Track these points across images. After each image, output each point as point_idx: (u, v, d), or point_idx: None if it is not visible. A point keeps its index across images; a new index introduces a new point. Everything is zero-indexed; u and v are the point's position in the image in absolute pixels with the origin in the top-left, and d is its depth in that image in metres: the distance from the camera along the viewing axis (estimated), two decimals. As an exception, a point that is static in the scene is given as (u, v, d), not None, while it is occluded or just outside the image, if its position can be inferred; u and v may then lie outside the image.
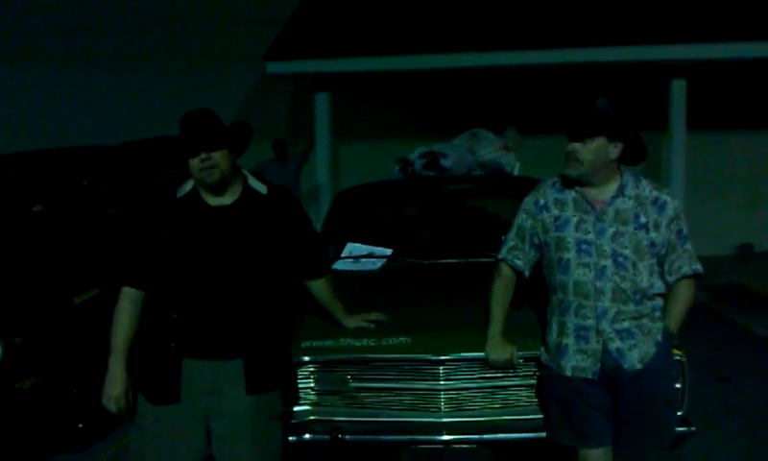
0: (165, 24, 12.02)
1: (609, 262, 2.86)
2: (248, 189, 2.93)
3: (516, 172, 5.69)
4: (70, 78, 12.15)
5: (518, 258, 3.14)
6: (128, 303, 2.88)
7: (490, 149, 5.54)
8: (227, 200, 2.88)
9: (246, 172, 3.00)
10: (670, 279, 2.96)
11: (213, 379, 2.81)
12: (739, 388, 5.72)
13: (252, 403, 2.83)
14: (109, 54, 12.16)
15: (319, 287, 3.27)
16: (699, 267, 2.99)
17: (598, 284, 2.86)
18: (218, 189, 2.85)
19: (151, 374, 2.86)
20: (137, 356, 2.89)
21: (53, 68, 12.24)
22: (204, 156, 2.75)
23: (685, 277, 2.97)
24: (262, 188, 2.96)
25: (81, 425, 4.83)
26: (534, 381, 3.24)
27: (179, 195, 2.91)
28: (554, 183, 3.09)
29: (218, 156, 2.77)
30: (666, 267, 2.95)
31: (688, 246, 2.98)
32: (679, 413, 3.10)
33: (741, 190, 11.09)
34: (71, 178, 7.30)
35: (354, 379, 3.32)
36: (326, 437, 3.20)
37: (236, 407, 2.82)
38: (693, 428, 3.17)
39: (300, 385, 3.34)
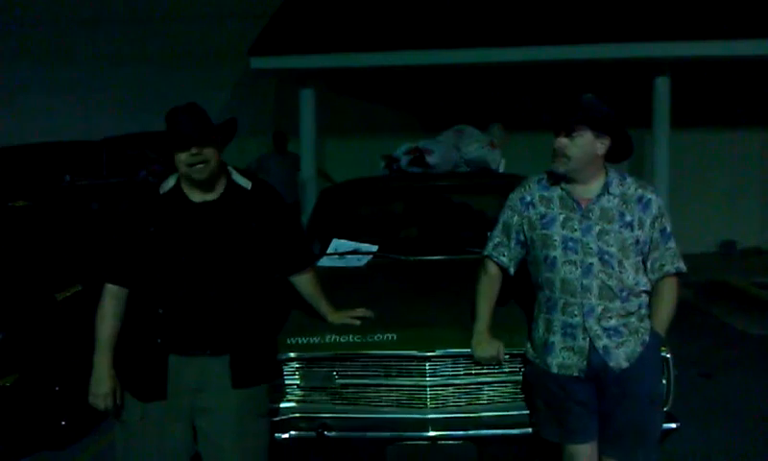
0: (149, 19, 11.96)
1: (595, 260, 2.86)
2: (232, 184, 2.92)
3: (501, 169, 5.70)
4: (54, 74, 12.07)
5: (504, 255, 3.14)
6: (111, 301, 2.85)
7: (475, 145, 5.53)
8: (210, 195, 2.87)
9: (230, 167, 2.98)
10: (653, 277, 2.96)
11: (199, 376, 2.79)
12: (722, 384, 5.76)
13: (237, 400, 2.82)
14: (94, 49, 12.09)
15: (303, 283, 3.26)
16: (682, 265, 2.99)
17: (585, 282, 2.86)
18: (205, 186, 2.83)
19: (137, 370, 2.83)
20: (123, 353, 2.86)
21: (37, 64, 12.14)
22: (194, 150, 2.72)
23: (668, 275, 2.97)
24: (246, 183, 2.95)
25: (64, 423, 4.80)
26: (520, 378, 3.25)
27: (162, 191, 2.89)
28: (540, 180, 3.09)
29: (208, 152, 2.75)
30: (649, 265, 2.95)
31: (672, 244, 2.98)
32: (664, 409, 3.11)
33: (724, 187, 11.17)
34: (53, 173, 7.26)
35: (340, 376, 3.31)
36: (312, 434, 3.19)
37: (222, 404, 2.80)
38: (677, 424, 3.18)
39: (286, 382, 3.33)
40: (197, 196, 2.85)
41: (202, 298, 2.78)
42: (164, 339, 2.78)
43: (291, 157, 10.27)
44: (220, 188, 2.89)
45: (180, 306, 2.78)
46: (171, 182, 2.90)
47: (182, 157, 2.74)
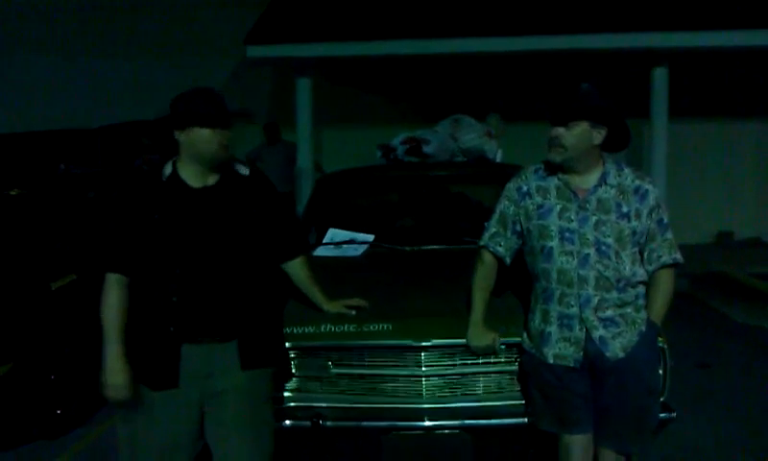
0: (145, 7, 11.88)
1: (592, 251, 2.85)
2: (229, 171, 2.91)
3: (498, 159, 5.68)
4: (48, 63, 12.00)
5: (500, 245, 3.13)
6: (116, 290, 2.81)
7: (472, 135, 5.52)
8: (210, 181, 2.85)
9: None
10: (650, 267, 2.95)
11: (208, 363, 2.77)
12: (719, 374, 5.77)
13: (246, 382, 2.81)
14: (91, 38, 12.02)
15: (296, 270, 3.24)
16: (679, 256, 2.98)
17: (581, 272, 2.85)
18: (216, 167, 2.85)
19: (148, 359, 2.80)
20: (132, 342, 2.82)
21: (31, 53, 12.08)
22: (227, 132, 2.80)
23: (665, 266, 2.96)
24: (243, 170, 2.96)
25: (59, 412, 4.78)
26: (516, 368, 3.24)
27: (163, 178, 2.86)
28: (536, 170, 3.07)
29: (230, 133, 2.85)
30: (646, 256, 2.95)
31: (669, 235, 2.97)
32: (660, 399, 3.10)
33: (722, 178, 11.16)
34: (48, 161, 7.24)
35: (335, 366, 3.30)
36: (307, 423, 3.18)
37: (232, 386, 2.79)
38: (674, 414, 3.18)
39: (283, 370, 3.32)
40: (196, 181, 2.84)
41: (209, 284, 2.76)
42: (177, 327, 2.76)
43: (285, 148, 10.21)
44: (218, 174, 2.88)
45: (189, 294, 2.76)
46: (169, 169, 2.87)
47: (218, 136, 2.78)
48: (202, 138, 2.77)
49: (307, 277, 3.28)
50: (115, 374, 2.78)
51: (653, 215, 2.92)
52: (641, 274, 2.93)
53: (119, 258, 2.82)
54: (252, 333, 2.84)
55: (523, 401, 3.20)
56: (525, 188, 3.05)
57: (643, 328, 2.90)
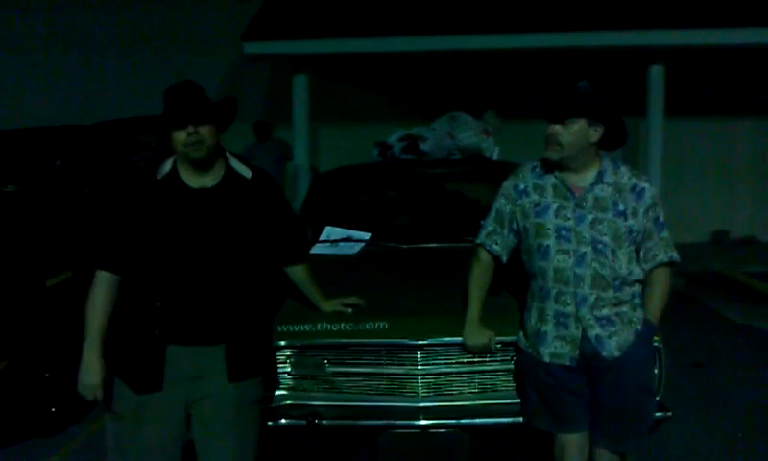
0: (142, 3, 11.86)
1: (588, 249, 2.85)
2: (230, 172, 2.85)
3: (495, 157, 5.67)
4: (45, 59, 11.98)
5: (497, 243, 3.12)
6: (103, 288, 2.77)
7: (469, 133, 5.51)
8: (208, 182, 2.79)
9: (228, 153, 2.91)
10: (646, 266, 2.95)
11: (195, 365, 2.75)
12: (714, 374, 5.77)
13: (233, 388, 2.79)
14: (85, 33, 11.99)
15: (297, 272, 3.24)
16: (675, 255, 2.98)
17: (578, 271, 2.84)
18: (203, 166, 2.75)
19: (133, 362, 2.77)
20: (119, 344, 2.80)
21: (28, 49, 12.05)
22: (191, 129, 2.64)
23: (661, 264, 2.96)
24: (246, 171, 2.88)
25: (54, 410, 4.77)
26: (512, 366, 3.23)
27: (158, 176, 2.80)
28: (533, 168, 3.07)
29: (205, 131, 2.68)
30: (642, 254, 2.94)
31: (665, 234, 2.97)
32: (656, 398, 3.10)
33: (718, 177, 11.18)
34: (44, 158, 7.22)
35: (331, 364, 3.29)
36: (303, 422, 3.17)
37: (220, 390, 2.77)
38: (669, 413, 3.18)
39: (278, 370, 3.31)
40: (195, 181, 2.77)
41: (200, 288, 2.73)
42: (162, 331, 2.73)
43: (275, 146, 10.16)
44: (218, 174, 2.81)
45: (177, 296, 2.72)
46: (167, 167, 2.81)
47: (180, 136, 2.66)
48: (176, 140, 2.69)
49: (308, 278, 3.27)
50: (89, 372, 2.76)
51: (649, 213, 2.92)
52: (638, 272, 2.93)
53: (110, 256, 2.78)
54: (240, 339, 2.80)
55: (519, 400, 3.20)
56: (522, 186, 3.04)
57: (639, 327, 2.89)
